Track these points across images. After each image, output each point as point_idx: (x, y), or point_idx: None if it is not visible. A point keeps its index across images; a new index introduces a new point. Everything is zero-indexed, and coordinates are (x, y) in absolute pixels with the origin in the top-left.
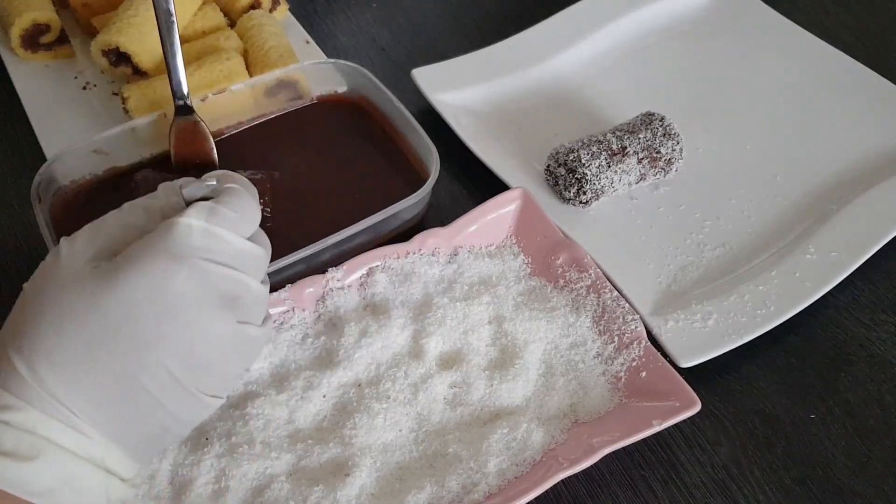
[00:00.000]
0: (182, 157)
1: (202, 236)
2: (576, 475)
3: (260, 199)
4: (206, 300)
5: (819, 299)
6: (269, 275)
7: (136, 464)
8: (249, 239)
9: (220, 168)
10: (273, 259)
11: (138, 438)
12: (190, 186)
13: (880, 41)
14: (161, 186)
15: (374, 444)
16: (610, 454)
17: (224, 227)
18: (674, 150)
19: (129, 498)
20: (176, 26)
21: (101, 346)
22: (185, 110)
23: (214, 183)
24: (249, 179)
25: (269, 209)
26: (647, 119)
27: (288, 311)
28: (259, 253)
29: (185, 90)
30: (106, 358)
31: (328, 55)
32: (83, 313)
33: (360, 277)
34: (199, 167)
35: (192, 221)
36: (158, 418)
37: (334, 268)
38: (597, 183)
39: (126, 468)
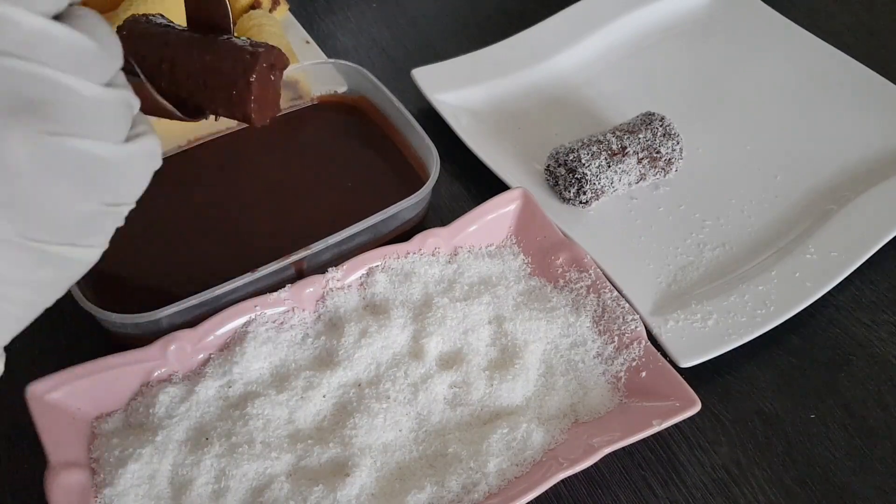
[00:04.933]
0: (195, 21)
1: None
2: (576, 475)
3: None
4: None
5: (819, 299)
6: (268, 275)
7: None
8: (65, 23)
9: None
10: (272, 260)
11: None
12: None
13: (880, 41)
14: None
15: (374, 444)
16: (610, 454)
17: None
18: (674, 150)
19: None
20: None
21: None
22: None
23: None
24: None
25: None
26: (647, 119)
27: (288, 311)
28: (72, 38)
29: None
30: None
31: (328, 55)
32: None
33: (360, 277)
34: (213, 30)
35: None
36: None
37: (334, 268)
38: (597, 183)
39: None
